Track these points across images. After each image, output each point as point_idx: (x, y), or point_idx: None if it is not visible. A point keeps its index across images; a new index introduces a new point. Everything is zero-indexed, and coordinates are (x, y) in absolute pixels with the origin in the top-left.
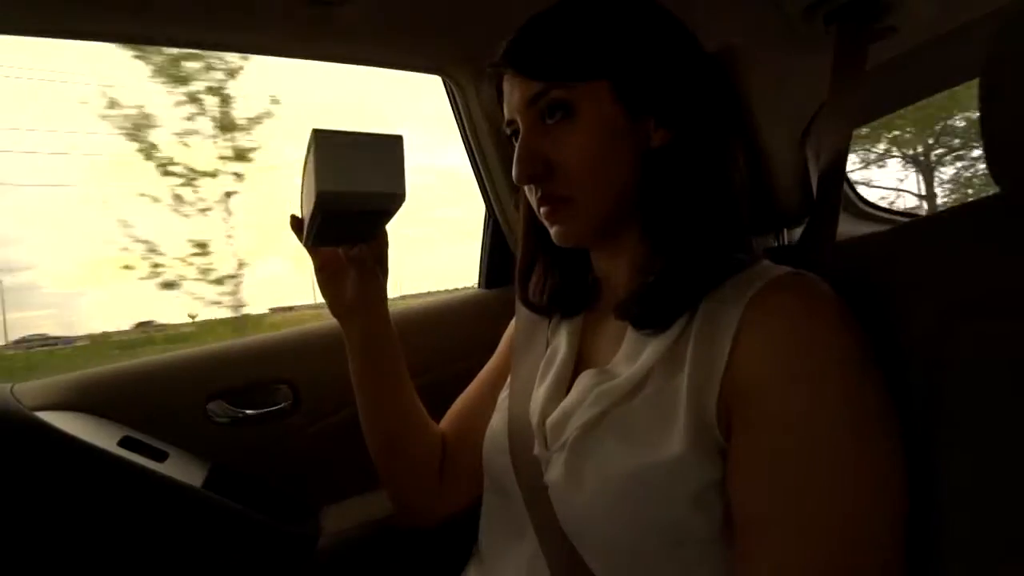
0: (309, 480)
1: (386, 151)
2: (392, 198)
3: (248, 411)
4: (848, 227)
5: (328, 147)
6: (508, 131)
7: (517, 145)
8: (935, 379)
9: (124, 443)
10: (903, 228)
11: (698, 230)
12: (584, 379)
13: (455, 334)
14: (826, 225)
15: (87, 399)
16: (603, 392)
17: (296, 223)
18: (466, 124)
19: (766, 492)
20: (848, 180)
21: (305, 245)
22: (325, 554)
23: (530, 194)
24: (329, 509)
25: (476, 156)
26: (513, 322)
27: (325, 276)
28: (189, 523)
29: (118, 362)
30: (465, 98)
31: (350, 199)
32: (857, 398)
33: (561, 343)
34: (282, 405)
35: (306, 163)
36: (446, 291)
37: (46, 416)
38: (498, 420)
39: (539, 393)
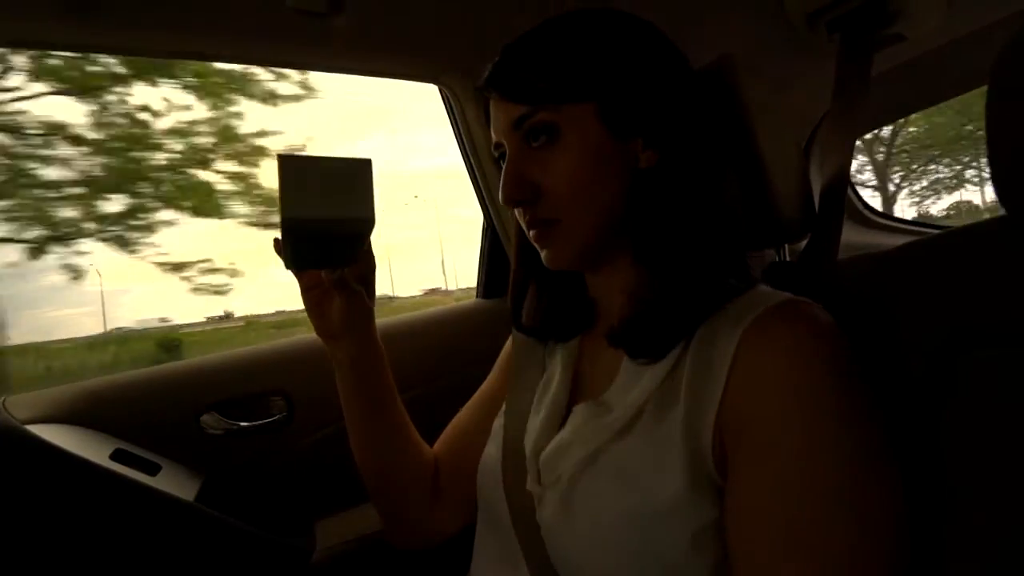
0: (304, 492)
1: (354, 175)
2: (361, 223)
3: (242, 423)
4: (854, 236)
5: (293, 173)
6: (496, 153)
7: (503, 168)
8: (940, 404)
9: (116, 456)
10: (907, 247)
11: (689, 253)
12: (579, 413)
13: (454, 344)
14: (828, 240)
15: (79, 411)
16: (598, 428)
17: (278, 245)
18: (463, 133)
19: (763, 532)
20: (854, 189)
21: (287, 268)
22: (320, 568)
23: (519, 216)
24: (324, 522)
25: (473, 165)
26: (507, 344)
27: (311, 298)
28: (182, 537)
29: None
30: (461, 107)
31: (317, 225)
32: (856, 433)
33: (557, 369)
34: (277, 417)
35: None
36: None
37: (38, 429)
38: (492, 450)
39: (534, 424)
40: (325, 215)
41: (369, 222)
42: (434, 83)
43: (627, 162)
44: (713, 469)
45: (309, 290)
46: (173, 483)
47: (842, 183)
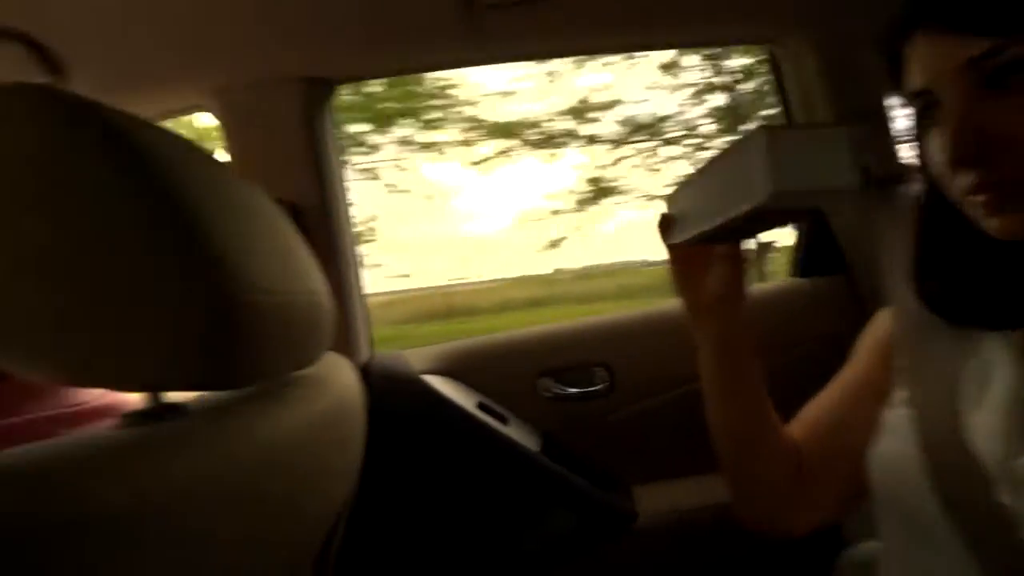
0: (622, 460)
1: (835, 144)
2: (840, 195)
3: (571, 389)
4: None
5: (781, 145)
6: (919, 104)
7: (943, 120)
8: None
9: (480, 407)
10: None
11: None
12: None
13: (771, 327)
14: None
15: (450, 366)
16: None
17: (666, 221)
18: (792, 97)
19: None
20: None
21: (681, 242)
22: (643, 535)
23: (960, 178)
24: (640, 490)
25: None
26: (876, 325)
27: (685, 271)
28: (526, 484)
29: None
30: (796, 68)
31: (800, 198)
32: None
33: (996, 362)
34: (600, 387)
35: (727, 162)
36: None
37: (427, 379)
38: (895, 444)
39: (984, 425)
40: (812, 187)
41: (850, 192)
42: (768, 44)
43: None
44: None
45: (684, 263)
46: (520, 436)
47: None
